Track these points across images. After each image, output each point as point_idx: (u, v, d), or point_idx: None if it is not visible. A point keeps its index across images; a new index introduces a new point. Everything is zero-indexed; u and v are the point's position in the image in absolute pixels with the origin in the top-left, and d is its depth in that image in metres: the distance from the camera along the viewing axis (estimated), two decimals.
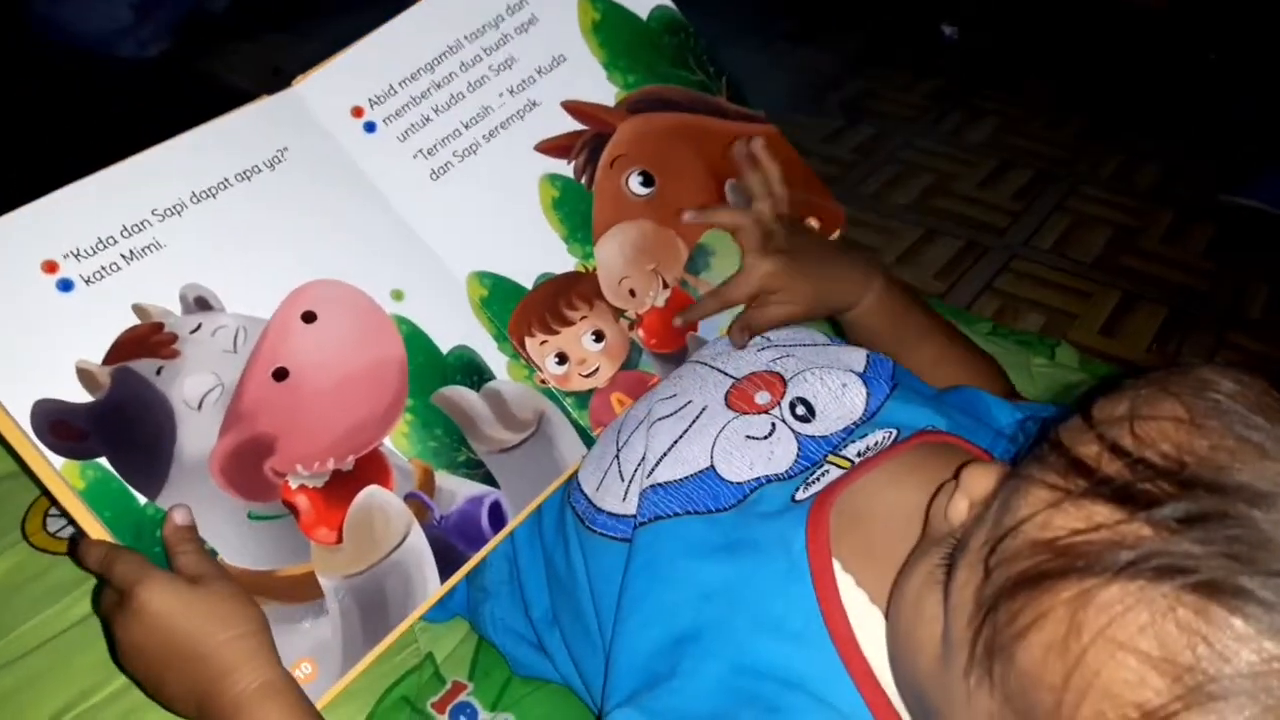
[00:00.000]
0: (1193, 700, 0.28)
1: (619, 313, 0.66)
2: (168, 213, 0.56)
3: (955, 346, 0.70)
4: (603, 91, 0.69)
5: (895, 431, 0.55)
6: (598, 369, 0.64)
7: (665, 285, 0.67)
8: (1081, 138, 1.83)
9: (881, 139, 1.81)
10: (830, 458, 0.54)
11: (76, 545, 0.50)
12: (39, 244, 0.52)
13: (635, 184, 0.68)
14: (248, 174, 0.59)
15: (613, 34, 0.70)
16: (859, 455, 0.53)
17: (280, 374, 0.56)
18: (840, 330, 0.72)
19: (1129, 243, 1.53)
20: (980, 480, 0.39)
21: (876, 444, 0.54)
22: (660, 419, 0.58)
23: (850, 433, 0.55)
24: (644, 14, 0.72)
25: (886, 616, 0.44)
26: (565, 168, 0.67)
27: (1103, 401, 0.35)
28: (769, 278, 0.65)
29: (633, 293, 0.67)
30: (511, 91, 0.67)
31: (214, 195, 0.58)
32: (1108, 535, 0.31)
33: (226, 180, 0.58)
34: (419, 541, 0.57)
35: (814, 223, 0.72)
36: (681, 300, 0.68)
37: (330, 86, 0.63)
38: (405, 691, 0.60)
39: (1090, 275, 1.45)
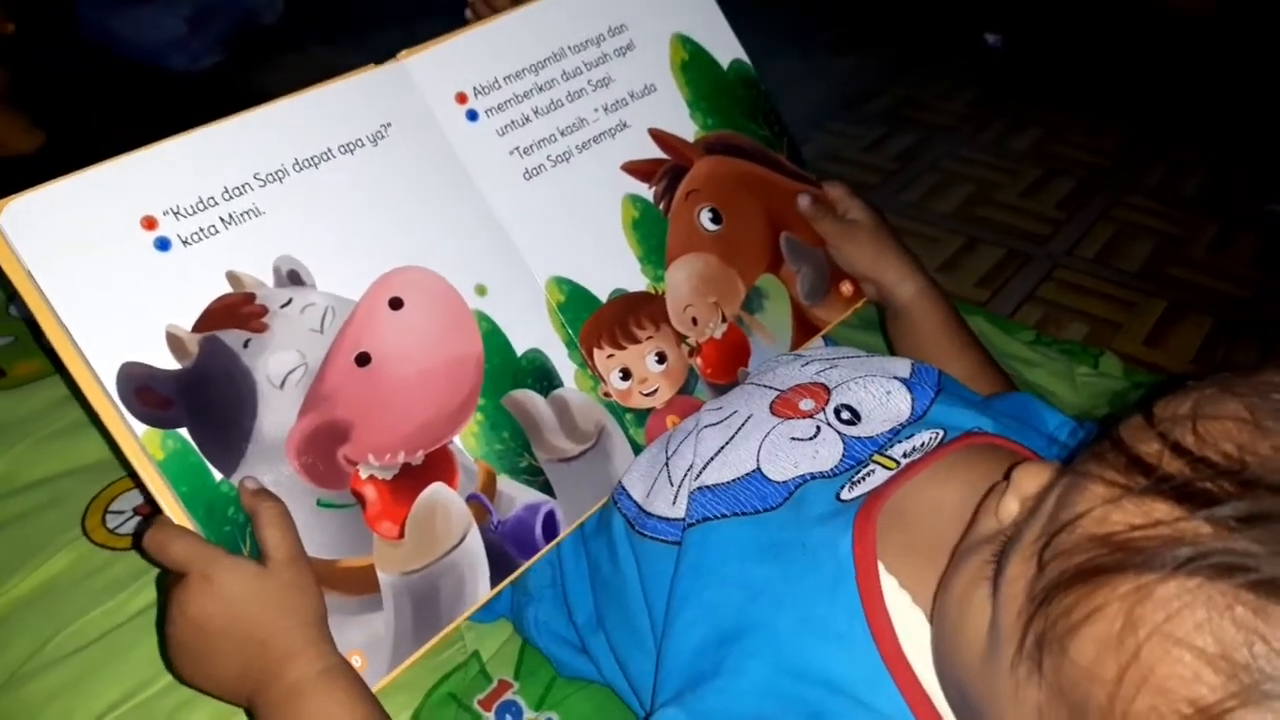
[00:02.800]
0: (1248, 698, 0.26)
1: (681, 338, 0.63)
2: (269, 178, 0.51)
3: (991, 365, 0.69)
4: (684, 127, 0.67)
5: (942, 432, 0.52)
6: (657, 389, 0.62)
7: (724, 319, 0.65)
8: (1125, 146, 1.71)
9: (923, 147, 1.69)
10: (876, 457, 0.51)
11: (141, 535, 0.45)
12: (140, 197, 0.47)
13: (705, 219, 0.66)
14: (351, 146, 0.54)
15: (697, 75, 0.68)
16: (905, 456, 0.51)
17: (363, 359, 0.52)
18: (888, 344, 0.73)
19: (1174, 252, 1.42)
20: (1032, 479, 0.37)
21: (923, 444, 0.52)
22: (707, 426, 0.56)
23: (896, 434, 0.53)
24: (724, 63, 0.70)
25: (929, 616, 0.42)
26: (646, 191, 0.64)
27: (1165, 401, 0.33)
28: (858, 208, 0.70)
29: (695, 321, 0.64)
30: (606, 109, 0.64)
31: (316, 165, 0.52)
32: (1167, 532, 0.29)
33: (330, 150, 0.53)
34: (475, 544, 0.53)
35: (847, 288, 0.71)
36: (737, 335, 0.65)
37: (438, 67, 0.58)
38: (452, 688, 0.56)
39: (1135, 285, 1.34)
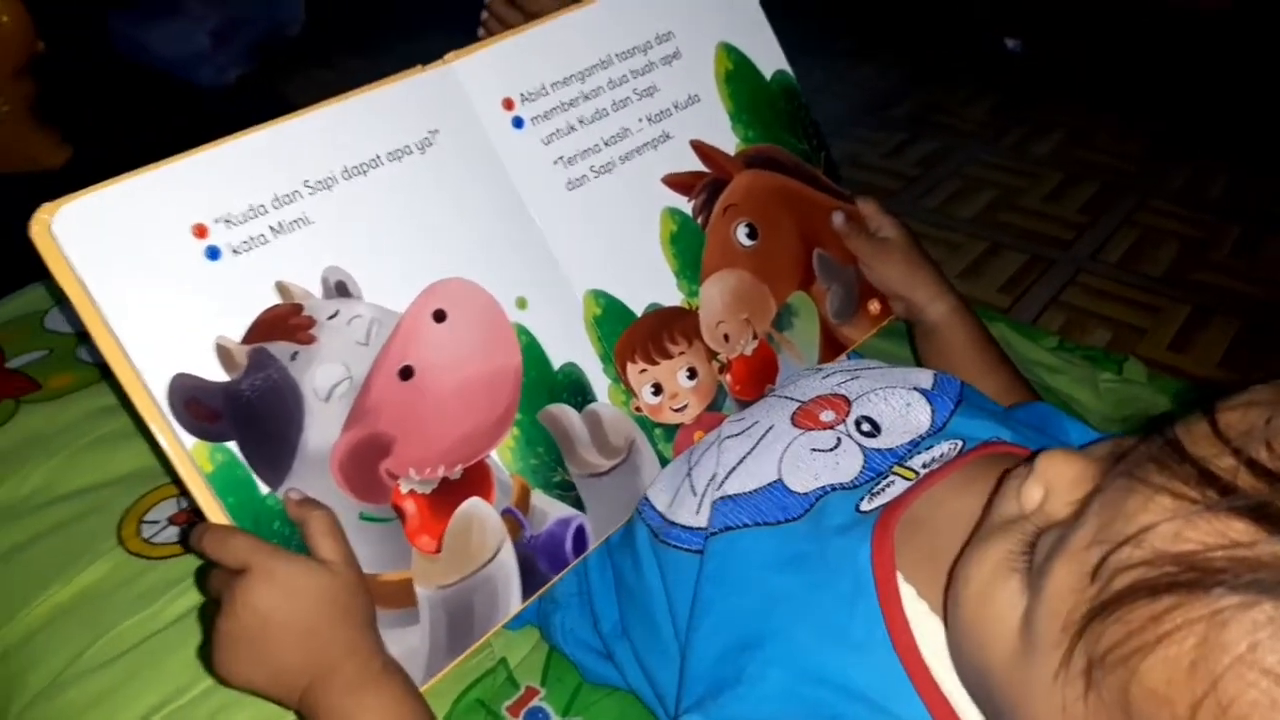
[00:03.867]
0: None
1: (712, 354, 0.63)
2: (319, 186, 0.49)
3: (1021, 382, 0.69)
4: (725, 140, 0.66)
5: (961, 443, 0.52)
6: (687, 405, 0.62)
7: (754, 336, 0.65)
8: (1149, 150, 1.68)
9: (945, 153, 1.67)
10: (896, 468, 0.51)
11: (191, 532, 0.44)
12: (191, 204, 0.45)
13: (741, 234, 0.65)
14: (399, 154, 0.52)
15: (740, 86, 0.67)
16: (924, 466, 0.51)
17: (406, 373, 0.51)
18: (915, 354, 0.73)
19: (1199, 256, 1.40)
20: (1060, 467, 0.36)
21: (942, 455, 0.52)
22: (729, 437, 0.56)
23: (916, 445, 0.53)
24: (768, 74, 0.69)
25: (945, 621, 0.42)
26: (685, 205, 0.63)
27: (1230, 410, 0.32)
28: (890, 225, 0.70)
29: (726, 338, 0.64)
30: (650, 119, 0.62)
31: (365, 173, 0.51)
32: (1245, 554, 0.28)
33: (378, 158, 0.52)
34: (509, 558, 0.53)
35: (874, 307, 0.71)
36: (766, 353, 0.65)
37: (486, 71, 0.57)
38: (480, 694, 0.56)
39: (1159, 289, 1.33)
